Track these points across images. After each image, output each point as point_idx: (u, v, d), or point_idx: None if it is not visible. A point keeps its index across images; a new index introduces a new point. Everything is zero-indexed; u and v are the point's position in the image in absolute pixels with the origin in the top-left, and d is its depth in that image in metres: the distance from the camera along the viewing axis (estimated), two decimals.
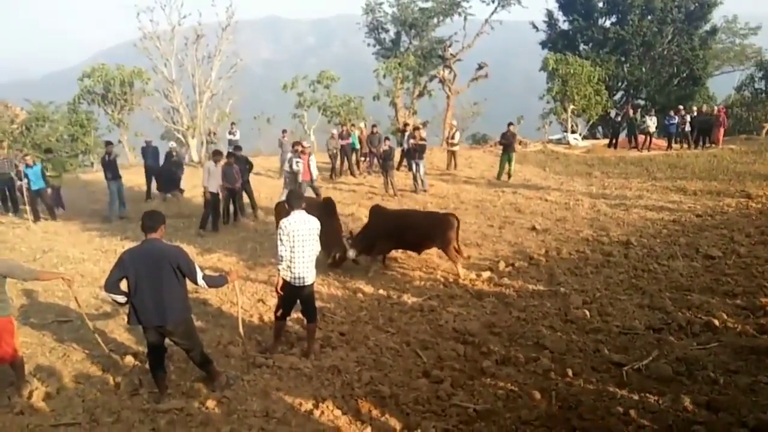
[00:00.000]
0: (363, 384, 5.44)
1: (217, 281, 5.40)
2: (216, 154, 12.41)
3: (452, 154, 18.77)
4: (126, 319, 5.24)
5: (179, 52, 26.76)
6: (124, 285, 4.98)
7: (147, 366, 5.47)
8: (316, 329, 6.26)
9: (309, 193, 12.35)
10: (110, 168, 13.48)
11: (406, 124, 20.54)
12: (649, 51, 30.24)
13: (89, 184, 17.84)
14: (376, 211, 9.53)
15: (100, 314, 7.42)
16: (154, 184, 15.88)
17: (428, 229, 8.87)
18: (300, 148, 12.70)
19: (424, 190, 15.20)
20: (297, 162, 12.67)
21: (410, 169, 16.14)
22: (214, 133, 22.54)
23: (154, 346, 5.19)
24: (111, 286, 4.93)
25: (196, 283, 5.03)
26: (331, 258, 9.23)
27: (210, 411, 4.99)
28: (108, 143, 14.79)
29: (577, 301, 7.43)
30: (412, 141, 16.05)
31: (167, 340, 5.25)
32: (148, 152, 16.00)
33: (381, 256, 9.44)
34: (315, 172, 13.01)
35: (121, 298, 5.00)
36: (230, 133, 20.73)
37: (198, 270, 5.04)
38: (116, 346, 6.43)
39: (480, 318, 7.12)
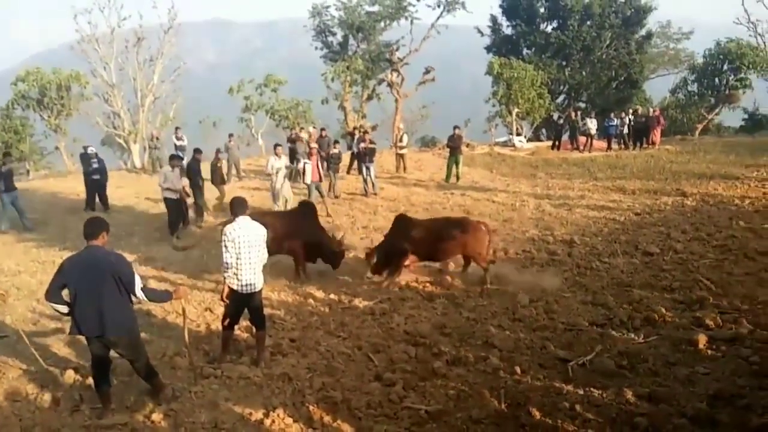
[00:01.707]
0: (314, 390, 5.39)
1: (159, 296, 5.18)
2: (173, 159, 12.21)
3: (401, 157, 18.90)
4: (67, 331, 5.02)
5: (119, 55, 25.99)
6: (66, 295, 4.79)
7: (88, 381, 5.26)
8: (265, 337, 6.17)
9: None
10: (3, 179, 12.83)
11: (355, 128, 20.58)
12: (589, 55, 31.25)
13: (25, 192, 17.01)
14: (401, 221, 8.95)
15: (38, 328, 7.09)
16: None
17: (459, 238, 8.43)
18: (309, 149, 13.98)
19: (375, 193, 15.24)
20: (306, 163, 13.35)
21: (360, 172, 16.14)
22: (157, 138, 21.90)
23: (99, 359, 4.98)
24: (52, 295, 4.74)
25: (134, 294, 4.83)
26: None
27: (156, 425, 4.84)
28: (5, 154, 13.88)
29: (524, 300, 7.60)
30: (362, 144, 16.08)
31: (112, 353, 5.06)
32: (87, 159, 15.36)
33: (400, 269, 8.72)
34: (321, 173, 13.73)
35: (64, 308, 4.80)
36: (177, 138, 20.15)
37: (138, 281, 4.84)
38: (55, 361, 6.15)
39: (431, 319, 7.18)
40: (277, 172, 12.89)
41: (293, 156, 18.36)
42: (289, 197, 12.97)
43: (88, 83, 25.09)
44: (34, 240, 11.95)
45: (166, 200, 11.84)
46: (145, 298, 4.94)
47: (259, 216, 8.58)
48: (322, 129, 19.45)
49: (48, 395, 5.44)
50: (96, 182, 14.57)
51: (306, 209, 9.46)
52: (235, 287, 5.72)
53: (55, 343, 6.64)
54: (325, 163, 15.49)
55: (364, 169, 15.59)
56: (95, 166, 14.54)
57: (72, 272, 4.73)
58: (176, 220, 11.88)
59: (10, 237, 12.30)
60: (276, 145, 13.64)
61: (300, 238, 8.88)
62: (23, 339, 5.99)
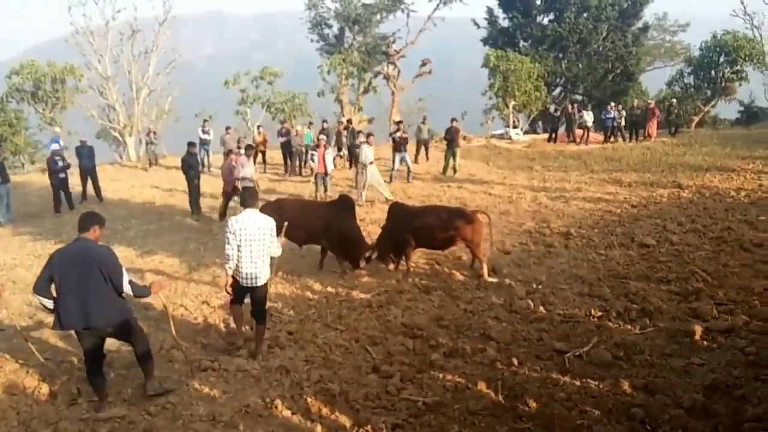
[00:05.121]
0: (312, 383, 5.40)
1: (142, 291, 5.08)
2: (248, 149, 13.03)
3: None
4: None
5: (114, 48, 25.83)
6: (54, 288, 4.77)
7: (85, 374, 5.25)
8: (265, 331, 6.17)
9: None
10: None
11: (349, 121, 20.64)
12: (585, 48, 31.19)
13: (20, 186, 16.97)
14: (396, 210, 8.96)
15: (35, 322, 7.09)
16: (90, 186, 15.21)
17: (456, 227, 8.37)
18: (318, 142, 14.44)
19: (409, 181, 15.88)
20: (312, 155, 14.04)
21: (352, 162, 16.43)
22: (155, 133, 21.80)
23: (92, 352, 4.95)
24: (40, 286, 4.73)
25: (121, 288, 4.80)
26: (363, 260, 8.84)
27: (154, 418, 4.84)
28: None
29: (521, 292, 7.62)
30: (397, 134, 16.56)
31: (106, 346, 5.05)
32: (83, 152, 15.30)
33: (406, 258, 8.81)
34: (330, 167, 14.00)
35: (49, 303, 4.76)
36: (203, 131, 20.06)
37: (125, 275, 4.82)
38: (52, 355, 6.14)
39: (428, 312, 7.19)
40: (371, 163, 13.41)
41: (288, 149, 18.36)
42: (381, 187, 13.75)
43: (82, 76, 24.90)
44: (30, 233, 11.93)
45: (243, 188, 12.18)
46: (131, 293, 4.92)
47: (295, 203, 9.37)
48: (339, 121, 19.78)
49: (45, 388, 5.45)
50: (63, 181, 14.28)
51: (346, 203, 9.25)
52: (236, 278, 5.80)
53: (51, 337, 6.64)
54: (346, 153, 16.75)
55: (398, 158, 16.08)
56: (60, 165, 14.19)
57: (59, 263, 4.72)
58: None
59: (5, 231, 12.29)
60: (369, 135, 14.38)
61: (337, 231, 8.75)
62: (19, 333, 5.97)
